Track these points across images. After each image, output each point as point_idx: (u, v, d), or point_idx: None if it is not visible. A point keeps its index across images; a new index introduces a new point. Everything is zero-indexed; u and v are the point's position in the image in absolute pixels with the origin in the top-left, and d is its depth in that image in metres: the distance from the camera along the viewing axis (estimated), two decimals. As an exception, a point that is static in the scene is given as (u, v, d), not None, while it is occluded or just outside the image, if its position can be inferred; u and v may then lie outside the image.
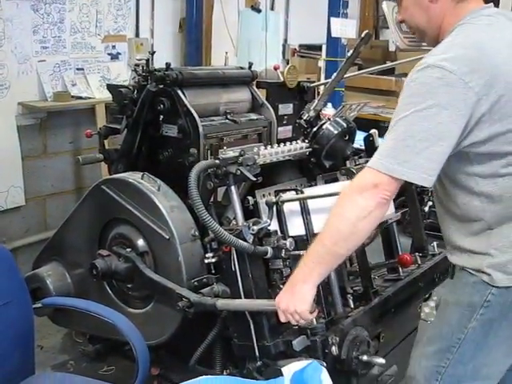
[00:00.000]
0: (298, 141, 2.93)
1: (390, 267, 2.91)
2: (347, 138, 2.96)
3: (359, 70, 6.05)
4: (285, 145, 2.74)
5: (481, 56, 1.72)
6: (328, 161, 2.95)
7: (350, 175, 2.29)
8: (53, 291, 3.08)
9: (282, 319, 2.02)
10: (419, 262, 2.95)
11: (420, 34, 2.03)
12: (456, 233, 1.94)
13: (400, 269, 2.86)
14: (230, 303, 2.36)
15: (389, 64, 5.62)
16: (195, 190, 2.29)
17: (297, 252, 2.27)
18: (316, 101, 3.04)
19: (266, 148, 2.58)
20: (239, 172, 2.37)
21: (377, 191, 1.73)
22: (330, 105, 4.31)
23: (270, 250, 2.27)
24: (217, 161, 2.41)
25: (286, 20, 6.64)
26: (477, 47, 1.73)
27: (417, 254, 2.99)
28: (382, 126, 5.53)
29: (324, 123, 2.92)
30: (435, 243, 3.13)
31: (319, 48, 5.87)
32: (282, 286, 2.12)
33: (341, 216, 1.81)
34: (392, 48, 7.30)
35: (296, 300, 1.94)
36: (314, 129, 2.92)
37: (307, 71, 6.12)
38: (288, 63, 6.22)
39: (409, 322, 3.01)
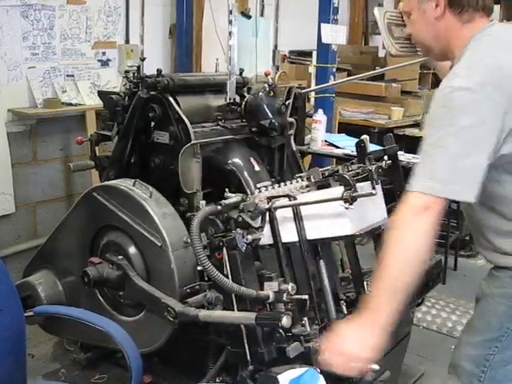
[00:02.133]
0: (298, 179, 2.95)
1: (383, 273, 2.90)
2: (272, 94, 3.15)
3: (349, 76, 6.08)
4: (285, 184, 2.72)
5: (501, 75, 1.77)
6: (266, 120, 3.11)
7: (342, 181, 2.28)
8: (44, 299, 3.07)
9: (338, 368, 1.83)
10: (411, 268, 2.94)
11: (425, 49, 2.08)
12: (495, 236, 1.99)
13: (392, 274, 2.85)
14: (211, 314, 2.36)
15: (378, 70, 5.63)
16: (197, 238, 2.28)
17: (298, 296, 2.25)
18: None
19: (266, 189, 2.57)
20: (241, 218, 2.36)
21: (429, 213, 1.76)
22: (320, 111, 4.31)
23: (271, 294, 2.26)
24: (219, 207, 2.40)
25: (276, 26, 6.65)
26: (497, 67, 1.78)
27: (409, 259, 2.99)
28: (372, 132, 5.57)
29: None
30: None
31: (309, 54, 5.87)
32: None
33: (401, 244, 1.80)
34: (381, 54, 7.33)
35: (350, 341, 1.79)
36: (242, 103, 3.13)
37: (297, 77, 6.12)
38: (278, 69, 6.22)
39: (402, 327, 3.01)
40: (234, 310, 2.36)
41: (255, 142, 3.20)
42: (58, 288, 3.12)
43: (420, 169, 1.82)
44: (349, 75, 6.15)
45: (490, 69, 1.77)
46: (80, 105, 4.56)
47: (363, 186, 2.39)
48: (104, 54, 4.87)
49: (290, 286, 2.24)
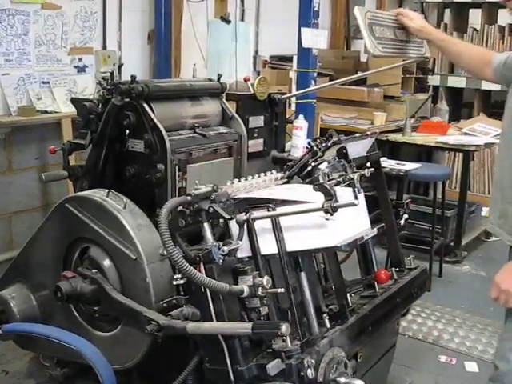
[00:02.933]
0: (273, 171, 2.82)
1: (367, 283, 2.83)
2: None
3: (330, 80, 6.02)
4: (259, 176, 2.63)
5: None
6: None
7: (323, 191, 2.20)
8: (17, 314, 2.96)
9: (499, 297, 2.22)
10: (396, 277, 2.88)
11: None
12: None
13: (376, 285, 2.78)
14: (200, 326, 2.25)
15: (360, 74, 5.59)
16: (166, 229, 2.17)
17: (273, 290, 2.16)
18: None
19: (239, 181, 2.48)
20: (212, 209, 2.27)
21: None
22: (301, 117, 4.24)
23: (246, 288, 2.16)
24: (188, 197, 2.30)
25: (257, 31, 6.58)
26: None
27: (393, 269, 2.93)
28: (355, 137, 5.50)
29: (319, 163, 2.80)
30: (411, 257, 3.07)
31: (290, 59, 5.82)
32: None
33: None
34: (363, 58, 7.29)
35: None
36: (309, 168, 2.80)
37: (278, 83, 6.06)
38: (259, 75, 6.15)
39: (387, 338, 2.95)
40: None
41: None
42: (31, 303, 3.01)
43: None
44: (330, 80, 6.10)
45: None
46: (56, 112, 4.48)
47: (345, 195, 2.31)
48: (80, 60, 4.79)
49: (265, 280, 2.15)
